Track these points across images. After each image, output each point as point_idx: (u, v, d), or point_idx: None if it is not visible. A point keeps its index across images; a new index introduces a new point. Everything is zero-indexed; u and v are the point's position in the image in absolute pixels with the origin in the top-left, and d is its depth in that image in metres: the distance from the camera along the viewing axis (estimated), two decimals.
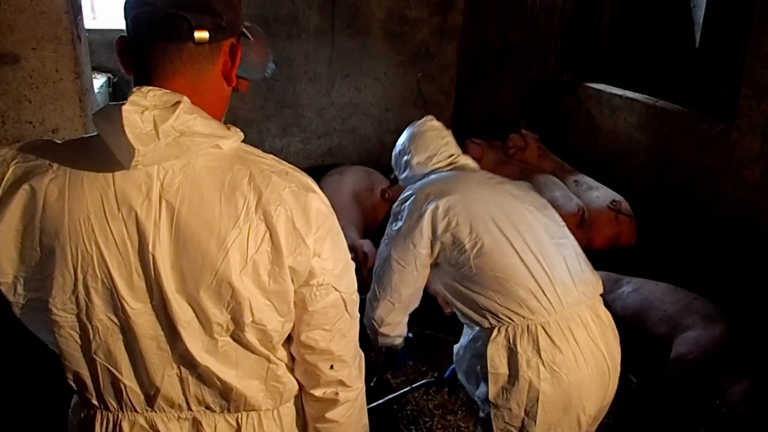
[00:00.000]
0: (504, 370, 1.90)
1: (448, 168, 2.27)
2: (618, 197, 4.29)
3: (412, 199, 2.09)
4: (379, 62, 4.97)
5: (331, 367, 1.26)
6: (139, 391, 1.19)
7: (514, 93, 5.60)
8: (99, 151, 1.06)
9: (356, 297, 1.27)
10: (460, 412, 2.98)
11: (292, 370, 1.28)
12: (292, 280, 1.13)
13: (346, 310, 1.24)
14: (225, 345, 1.15)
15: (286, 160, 1.18)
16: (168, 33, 1.06)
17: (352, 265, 1.26)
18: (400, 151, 2.43)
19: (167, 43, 1.07)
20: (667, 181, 4.39)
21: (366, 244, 3.81)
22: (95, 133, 1.10)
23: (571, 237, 2.10)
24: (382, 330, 2.21)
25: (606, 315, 2.02)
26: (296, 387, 1.30)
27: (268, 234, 1.08)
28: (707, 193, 4.04)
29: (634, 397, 3.09)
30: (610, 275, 3.62)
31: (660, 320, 3.23)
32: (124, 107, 0.99)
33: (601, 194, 4.38)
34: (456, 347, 2.23)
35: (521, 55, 5.48)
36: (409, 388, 2.81)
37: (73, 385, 1.23)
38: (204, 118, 1.06)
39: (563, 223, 2.14)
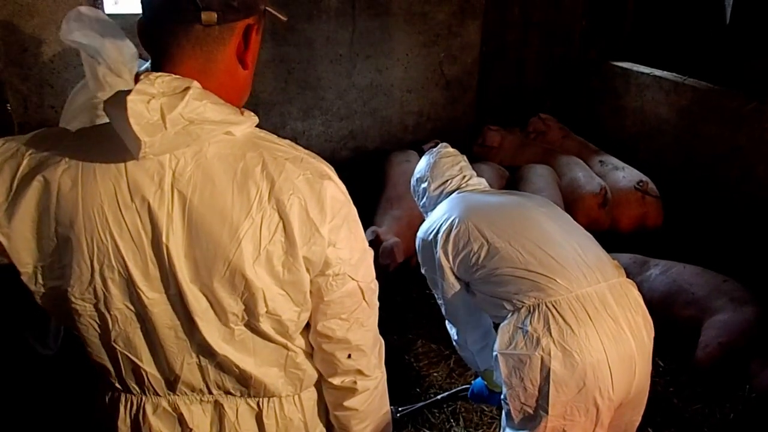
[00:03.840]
0: (513, 349, 1.91)
1: (459, 191, 2.44)
2: (644, 178, 4.21)
3: (421, 246, 2.34)
4: (401, 43, 4.92)
5: (349, 356, 1.24)
6: (159, 377, 1.20)
7: (539, 72, 5.51)
8: (111, 139, 1.04)
9: (374, 285, 1.25)
10: None
11: (311, 357, 1.27)
12: (307, 270, 1.11)
13: (364, 299, 1.21)
14: (241, 334, 1.15)
15: (307, 143, 1.16)
16: (175, 14, 1.03)
17: (370, 253, 1.23)
18: (418, 179, 2.60)
19: (175, 24, 1.04)
20: (695, 160, 4.30)
21: (393, 244, 3.72)
22: (108, 121, 1.08)
23: (581, 227, 2.22)
24: (463, 353, 2.49)
25: (635, 298, 1.99)
26: (316, 373, 1.29)
27: (281, 224, 1.06)
28: (737, 173, 3.95)
29: (663, 381, 3.05)
30: (637, 257, 3.56)
31: (688, 303, 3.18)
32: (128, 97, 0.96)
33: (627, 174, 4.31)
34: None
35: (545, 34, 5.38)
36: (445, 394, 2.93)
37: (97, 369, 1.24)
38: (215, 104, 1.03)
39: (570, 217, 2.28)
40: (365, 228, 3.75)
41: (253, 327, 1.14)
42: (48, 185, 1.06)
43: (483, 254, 2.07)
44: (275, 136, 1.14)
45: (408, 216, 3.92)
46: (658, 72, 4.67)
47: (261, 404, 1.25)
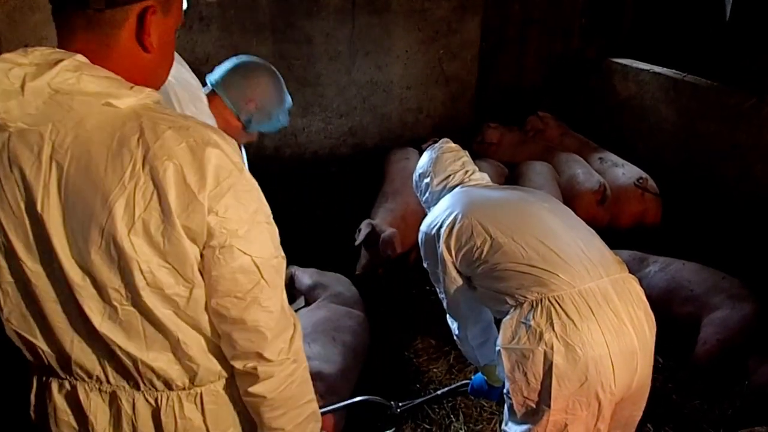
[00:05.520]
0: (516, 344, 1.91)
1: (461, 185, 2.43)
2: (644, 175, 4.21)
3: (424, 240, 2.35)
4: (400, 39, 4.91)
5: (248, 339, 1.17)
6: (54, 355, 1.18)
7: (538, 69, 5.51)
8: None
9: (277, 262, 1.17)
10: None
11: (215, 346, 1.20)
12: (194, 241, 1.07)
13: (263, 276, 1.13)
14: (127, 314, 1.11)
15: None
16: None
17: (269, 228, 1.16)
18: (420, 174, 2.59)
19: (70, 7, 1.04)
20: (694, 157, 4.30)
21: (392, 234, 3.64)
22: None
23: (584, 223, 2.22)
24: (463, 348, 2.49)
25: (637, 293, 2.00)
26: (217, 366, 1.22)
27: (155, 192, 1.03)
28: (736, 171, 3.95)
29: (662, 377, 3.05)
30: (636, 254, 3.56)
31: (687, 300, 3.18)
32: None
33: (626, 171, 4.31)
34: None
35: (545, 31, 5.38)
36: (444, 390, 2.92)
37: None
38: (94, 77, 1.02)
39: (572, 213, 2.28)
40: (360, 222, 3.77)
41: (138, 305, 1.10)
42: None
43: (486, 249, 2.06)
44: (172, 110, 1.10)
45: (402, 209, 3.91)
46: (657, 68, 4.67)
47: (159, 401, 1.21)
